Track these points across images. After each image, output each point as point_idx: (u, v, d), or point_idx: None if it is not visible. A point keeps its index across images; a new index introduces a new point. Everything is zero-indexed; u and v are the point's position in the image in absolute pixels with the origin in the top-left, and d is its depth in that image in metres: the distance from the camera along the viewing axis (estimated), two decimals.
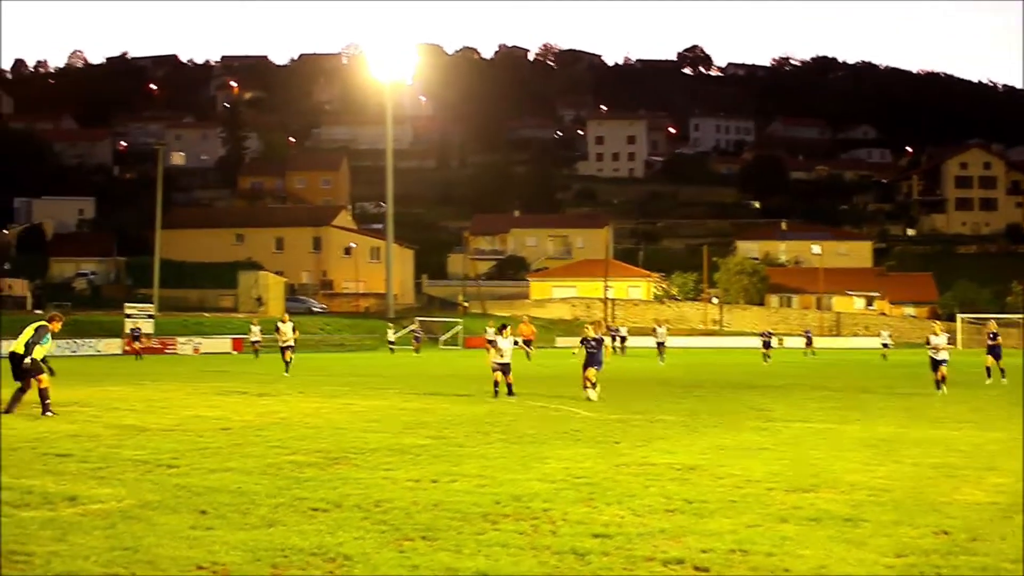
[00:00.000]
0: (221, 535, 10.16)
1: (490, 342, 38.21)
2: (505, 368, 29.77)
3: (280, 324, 45.76)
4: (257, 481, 13.57)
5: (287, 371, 42.41)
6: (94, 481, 13.58)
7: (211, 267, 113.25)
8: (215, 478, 13.86)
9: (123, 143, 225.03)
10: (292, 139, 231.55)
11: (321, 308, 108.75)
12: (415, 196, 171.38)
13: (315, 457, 16.13)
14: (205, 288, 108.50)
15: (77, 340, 68.76)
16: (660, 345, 59.34)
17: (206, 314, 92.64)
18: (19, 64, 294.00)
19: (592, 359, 28.63)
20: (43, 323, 23.54)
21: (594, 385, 28.27)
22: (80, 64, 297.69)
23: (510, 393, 29.16)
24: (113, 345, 73.18)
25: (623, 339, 76.14)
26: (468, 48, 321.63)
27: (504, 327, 31.15)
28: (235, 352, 73.59)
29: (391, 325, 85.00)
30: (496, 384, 29.90)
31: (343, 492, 12.76)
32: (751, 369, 50.30)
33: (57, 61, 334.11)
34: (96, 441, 17.95)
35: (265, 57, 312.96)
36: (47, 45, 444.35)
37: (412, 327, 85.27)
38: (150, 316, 79.54)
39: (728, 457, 16.27)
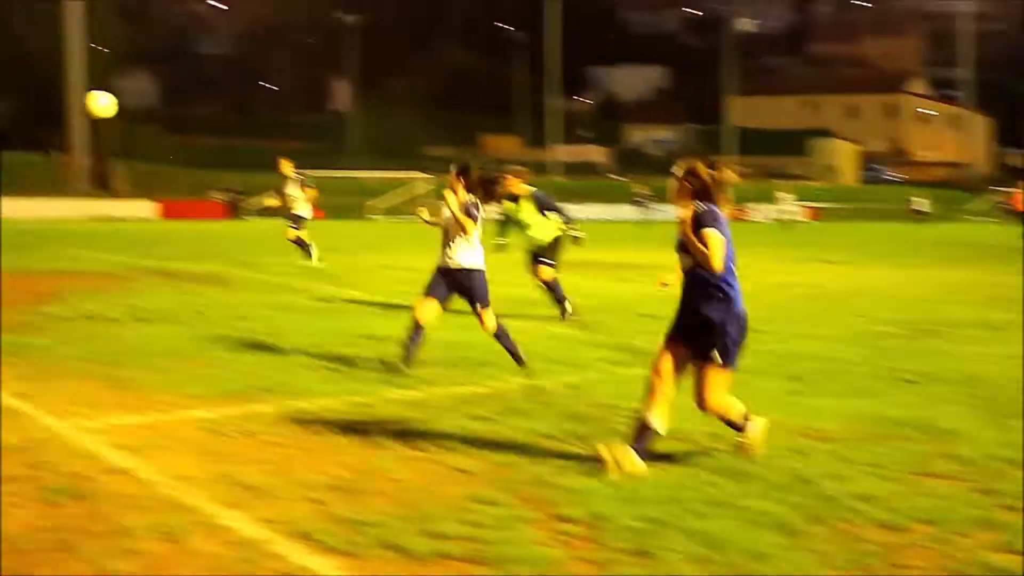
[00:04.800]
0: (816, 402, 10.19)
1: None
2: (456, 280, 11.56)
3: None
4: (846, 349, 13.53)
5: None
6: None
7: (782, 134, 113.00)
8: (804, 344, 13.93)
9: (694, 11, 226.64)
10: (863, 2, 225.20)
11: (895, 177, 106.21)
12: (993, 61, 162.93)
13: (902, 327, 15.88)
14: (776, 155, 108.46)
15: (653, 205, 71.01)
16: None
17: (778, 181, 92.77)
18: None
19: None
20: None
21: None
22: None
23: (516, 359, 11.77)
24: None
25: None
26: None
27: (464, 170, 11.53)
28: (811, 221, 73.25)
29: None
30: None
31: (934, 364, 12.46)
32: None
33: None
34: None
35: None
36: None
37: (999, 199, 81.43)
38: None
39: None
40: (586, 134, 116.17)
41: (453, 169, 11.51)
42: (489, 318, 11.43)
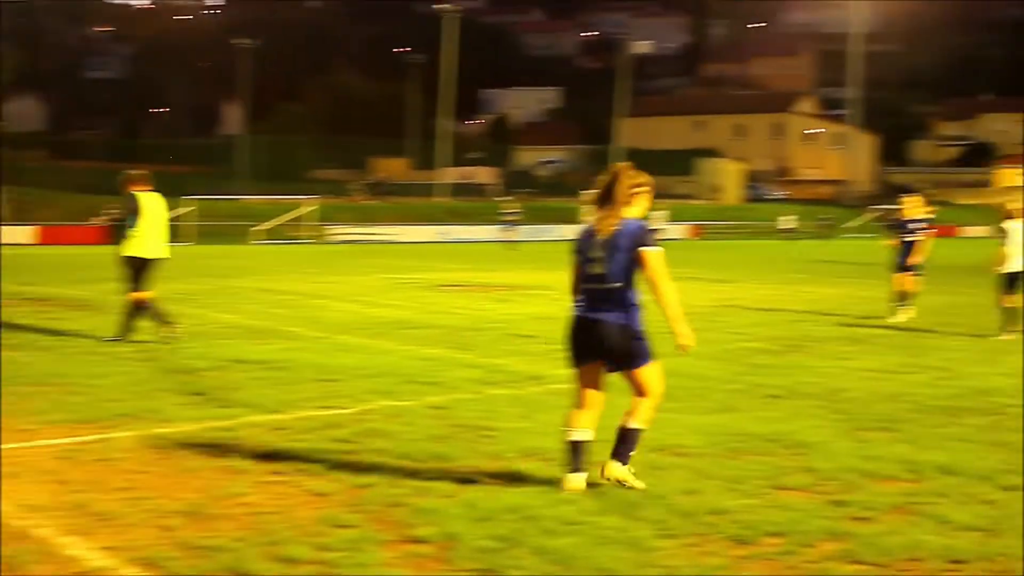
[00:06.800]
0: (678, 418, 10.25)
1: None
2: None
3: None
4: (713, 366, 13.65)
5: None
6: (557, 362, 14.03)
7: (670, 154, 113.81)
8: (671, 362, 13.99)
9: (589, 33, 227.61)
10: (756, 24, 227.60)
11: (776, 195, 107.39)
12: (881, 80, 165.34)
13: (770, 344, 16.12)
14: (664, 175, 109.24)
15: (539, 226, 71.43)
16: None
17: (664, 201, 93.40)
18: None
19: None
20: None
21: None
22: None
23: None
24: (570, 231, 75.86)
25: None
26: None
27: None
28: (692, 239, 74.00)
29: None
30: None
31: (799, 379, 12.70)
32: None
33: None
34: (558, 323, 18.45)
35: None
36: None
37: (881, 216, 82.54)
38: None
39: None
40: (475, 156, 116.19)
41: None
42: None
